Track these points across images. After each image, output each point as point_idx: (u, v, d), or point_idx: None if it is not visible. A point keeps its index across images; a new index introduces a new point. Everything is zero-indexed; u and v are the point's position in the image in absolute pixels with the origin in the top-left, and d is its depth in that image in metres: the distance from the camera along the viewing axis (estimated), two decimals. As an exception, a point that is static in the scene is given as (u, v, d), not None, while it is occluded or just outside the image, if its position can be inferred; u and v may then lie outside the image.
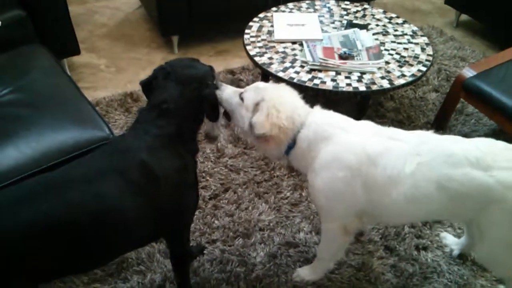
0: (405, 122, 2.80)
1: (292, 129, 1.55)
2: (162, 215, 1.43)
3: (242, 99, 1.59)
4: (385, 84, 2.32)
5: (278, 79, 2.39)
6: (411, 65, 2.46)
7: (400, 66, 2.45)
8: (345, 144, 1.50)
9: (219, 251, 2.05)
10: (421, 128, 2.76)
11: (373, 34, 2.70)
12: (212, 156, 2.50)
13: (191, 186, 1.54)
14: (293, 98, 1.62)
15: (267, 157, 2.38)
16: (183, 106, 1.47)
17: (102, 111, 2.77)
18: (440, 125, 2.74)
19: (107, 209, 1.31)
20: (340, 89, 2.28)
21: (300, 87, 2.35)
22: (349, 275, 1.97)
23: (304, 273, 1.93)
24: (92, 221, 1.29)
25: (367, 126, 1.58)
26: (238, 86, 3.03)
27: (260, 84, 1.65)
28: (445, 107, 2.71)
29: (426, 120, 2.83)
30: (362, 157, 1.46)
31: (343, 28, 2.74)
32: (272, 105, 1.52)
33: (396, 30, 2.76)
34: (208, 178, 2.38)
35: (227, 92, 1.63)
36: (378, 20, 2.87)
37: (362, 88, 2.29)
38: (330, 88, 2.28)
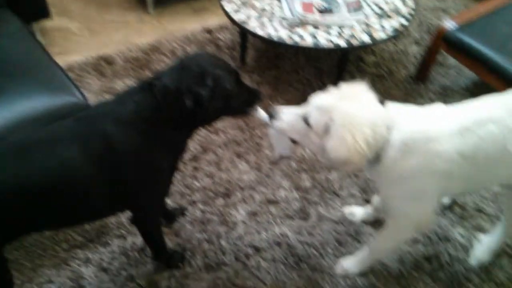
0: (386, 76, 2.77)
1: (373, 149, 1.34)
2: (118, 189, 1.40)
3: (307, 122, 1.39)
4: (366, 39, 2.27)
5: (256, 37, 2.33)
6: (392, 18, 2.41)
7: (381, 20, 2.40)
8: (439, 156, 1.35)
9: (199, 211, 2.04)
10: (402, 81, 2.73)
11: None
12: (191, 118, 2.46)
13: (156, 171, 1.46)
14: (367, 108, 1.34)
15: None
16: (172, 92, 1.35)
17: (75, 76, 2.69)
18: (421, 77, 2.72)
19: (64, 173, 1.30)
20: (320, 46, 2.23)
21: (279, 45, 2.30)
22: (330, 230, 1.98)
23: (348, 265, 1.83)
24: (51, 184, 1.28)
25: (448, 119, 1.39)
26: (217, 46, 2.99)
27: (322, 99, 1.38)
28: (426, 59, 2.67)
29: (406, 73, 2.80)
30: (459, 161, 1.35)
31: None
32: (345, 127, 1.29)
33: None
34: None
35: (288, 120, 1.44)
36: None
37: (343, 44, 2.24)
38: (310, 45, 2.23)
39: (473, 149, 1.35)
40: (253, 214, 2.04)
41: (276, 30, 2.31)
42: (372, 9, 2.47)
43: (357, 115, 1.30)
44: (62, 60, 2.82)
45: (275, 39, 2.26)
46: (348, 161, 1.32)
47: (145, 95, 1.37)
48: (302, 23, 2.33)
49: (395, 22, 2.38)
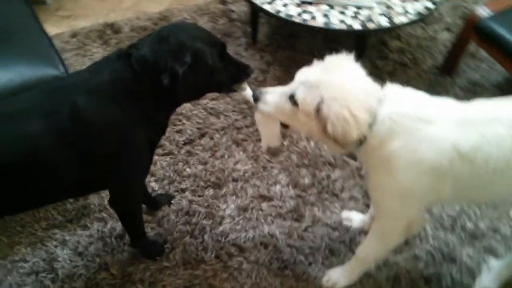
0: (410, 65, 2.50)
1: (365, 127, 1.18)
2: (90, 167, 1.29)
3: (295, 101, 1.22)
4: (384, 22, 2.01)
5: (263, 12, 2.10)
6: (417, 0, 2.13)
7: (404, 1, 2.12)
8: (429, 142, 1.16)
9: (186, 201, 1.90)
10: (426, 72, 2.46)
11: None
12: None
13: (132, 148, 1.33)
14: (356, 79, 1.20)
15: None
16: (150, 64, 1.23)
17: (79, 43, 2.55)
18: (448, 69, 2.43)
19: (29, 151, 1.20)
20: (332, 26, 1.99)
21: (286, 23, 2.08)
22: (322, 234, 1.80)
23: (336, 276, 1.64)
24: (15, 163, 1.19)
25: (451, 109, 1.22)
26: (230, 19, 2.77)
27: (309, 75, 1.22)
28: (455, 49, 2.38)
29: (433, 63, 2.52)
30: (453, 156, 1.15)
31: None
32: (337, 100, 1.13)
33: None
34: (184, 121, 2.18)
35: (272, 100, 1.27)
36: None
37: (357, 26, 1.99)
38: (321, 25, 1.99)
39: (472, 147, 1.15)
40: (243, 210, 1.88)
41: (286, 5, 2.07)
42: (396, -12, 2.18)
43: (347, 86, 1.16)
44: (69, 25, 2.70)
45: (283, 15, 2.03)
46: (349, 136, 1.15)
47: (121, 64, 1.26)
48: (315, 0, 2.08)
49: (420, 5, 2.10)
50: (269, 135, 1.42)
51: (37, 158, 1.21)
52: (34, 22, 1.88)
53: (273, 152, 1.61)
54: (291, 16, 2.02)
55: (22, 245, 1.76)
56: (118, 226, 1.79)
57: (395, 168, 1.21)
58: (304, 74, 1.24)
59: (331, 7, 2.07)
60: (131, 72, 1.25)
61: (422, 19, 2.10)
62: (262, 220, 1.85)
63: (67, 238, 1.78)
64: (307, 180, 1.97)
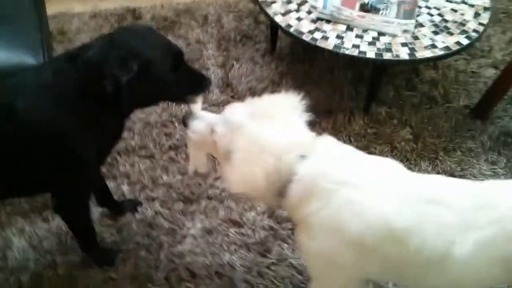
0: (438, 100, 2.25)
1: (276, 184, 1.09)
2: (29, 173, 1.25)
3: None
4: (403, 54, 1.81)
5: (273, 23, 1.96)
6: (451, 34, 1.89)
7: (435, 33, 1.89)
8: (354, 211, 1.02)
9: (153, 212, 1.83)
10: (455, 111, 2.21)
11: (419, -18, 2.10)
12: (190, 100, 2.20)
13: (74, 155, 1.27)
14: (280, 130, 1.09)
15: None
16: (94, 68, 1.17)
17: (96, 25, 2.54)
18: (481, 112, 2.17)
19: None
20: (342, 50, 1.81)
21: (295, 39, 1.93)
22: None
23: None
24: None
25: (391, 174, 1.08)
26: (256, 21, 2.60)
27: (232, 112, 1.16)
28: (495, 90, 2.11)
29: (467, 102, 2.25)
30: (382, 233, 1.00)
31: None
32: (244, 154, 1.07)
33: (454, -18, 2.13)
34: (176, 124, 2.10)
35: (197, 128, 1.20)
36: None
37: (371, 54, 1.80)
38: (330, 47, 1.82)
39: (406, 224, 0.98)
40: (208, 232, 1.78)
41: (300, 20, 1.92)
42: (431, 16, 1.95)
43: (262, 139, 1.07)
44: (94, 4, 2.69)
45: (292, 31, 1.88)
46: (247, 194, 1.13)
47: (67, 66, 1.20)
48: (333, 19, 1.91)
49: (452, 40, 1.87)
50: (197, 160, 1.33)
51: None
52: (31, 5, 1.84)
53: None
54: (301, 33, 1.87)
55: (-16, 226, 1.78)
56: (79, 225, 1.76)
57: (315, 232, 1.08)
58: (231, 110, 1.16)
59: (350, 28, 1.89)
60: (75, 74, 1.18)
61: (449, 55, 1.86)
62: (225, 248, 1.74)
63: (26, 228, 1.77)
64: (285, 213, 1.83)
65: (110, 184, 1.88)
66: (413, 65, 2.30)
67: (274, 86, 2.28)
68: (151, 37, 1.25)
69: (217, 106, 2.17)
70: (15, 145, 1.19)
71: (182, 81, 1.28)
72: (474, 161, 2.03)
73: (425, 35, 1.87)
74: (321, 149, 1.10)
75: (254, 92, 2.24)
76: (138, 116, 2.12)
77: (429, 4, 2.01)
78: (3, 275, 1.66)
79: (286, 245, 1.75)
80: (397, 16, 1.91)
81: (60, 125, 1.20)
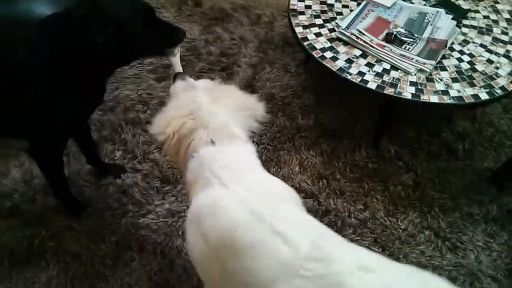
0: (459, 155, 2.12)
1: (183, 151, 1.22)
2: (9, 105, 1.42)
3: None
4: (406, 93, 1.74)
5: (293, 33, 1.99)
6: (472, 85, 1.78)
7: (455, 80, 1.79)
8: (214, 207, 1.09)
9: (131, 181, 1.98)
10: (473, 171, 2.06)
11: (464, 25, 1.98)
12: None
13: (50, 101, 1.43)
14: (213, 113, 1.21)
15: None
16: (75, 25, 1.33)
17: (157, 4, 2.74)
18: (500, 181, 2.00)
19: None
20: (345, 74, 1.80)
21: (306, 54, 1.95)
22: None
23: None
24: None
25: (264, 190, 1.14)
26: (256, 22, 2.55)
27: (201, 81, 1.39)
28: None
29: (491, 165, 2.08)
30: (225, 238, 1.04)
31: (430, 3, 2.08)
32: (175, 106, 1.26)
33: (504, 33, 1.97)
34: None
35: (178, 87, 1.37)
36: (495, 12, 2.07)
37: (372, 85, 1.77)
38: (334, 68, 1.82)
39: (247, 241, 1.01)
40: (171, 214, 1.89)
41: (318, 36, 1.93)
42: (459, 62, 1.85)
43: (197, 106, 1.22)
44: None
45: (306, 45, 1.90)
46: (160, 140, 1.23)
47: (55, 23, 1.36)
48: (351, 42, 1.89)
49: (470, 91, 1.75)
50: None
51: None
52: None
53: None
54: (313, 48, 1.89)
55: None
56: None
57: (189, 218, 1.18)
58: (202, 81, 1.39)
59: (364, 55, 1.86)
60: (58, 31, 1.35)
61: (456, 107, 1.76)
62: (180, 233, 1.84)
63: (26, 164, 1.99)
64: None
65: (108, 147, 2.07)
66: (416, 107, 2.09)
67: (294, 97, 2.31)
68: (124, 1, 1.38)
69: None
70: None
71: (155, 36, 1.41)
72: (470, 227, 1.89)
73: (441, 79, 1.78)
74: (230, 144, 1.19)
75: (273, 99, 2.29)
76: (158, 94, 2.29)
77: (464, 50, 1.90)
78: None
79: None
80: (419, 54, 1.83)
81: (34, 76, 1.37)
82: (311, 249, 0.95)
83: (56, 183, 1.79)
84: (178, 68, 1.48)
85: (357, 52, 1.87)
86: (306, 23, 1.98)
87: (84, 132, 1.87)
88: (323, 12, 2.03)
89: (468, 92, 1.75)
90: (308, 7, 2.06)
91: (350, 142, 2.14)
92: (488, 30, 1.98)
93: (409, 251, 1.84)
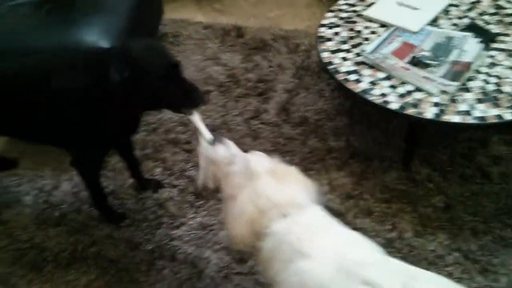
0: (493, 178, 2.13)
1: (256, 233, 1.30)
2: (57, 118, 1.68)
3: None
4: (428, 113, 1.82)
5: (319, 59, 2.15)
6: (496, 106, 1.83)
7: (479, 101, 1.85)
8: (300, 280, 1.18)
9: (168, 196, 2.17)
10: (508, 195, 2.06)
11: (492, 48, 2.05)
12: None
13: (92, 122, 1.66)
14: (278, 192, 1.30)
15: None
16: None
17: (203, 35, 3.00)
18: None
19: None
20: (367, 96, 1.91)
21: (330, 77, 2.10)
22: None
23: None
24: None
25: (346, 247, 1.23)
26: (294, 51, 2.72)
27: (256, 161, 1.40)
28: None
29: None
30: None
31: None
32: (242, 200, 1.32)
33: (534, 56, 2.02)
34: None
35: (221, 153, 1.41)
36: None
37: (394, 106, 1.86)
38: (357, 90, 1.94)
39: None
40: (203, 227, 2.04)
41: (344, 60, 2.07)
42: (485, 84, 1.91)
43: (261, 192, 1.29)
44: (213, 16, 3.17)
45: (330, 68, 2.04)
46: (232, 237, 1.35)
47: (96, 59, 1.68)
48: (375, 65, 2.02)
49: (493, 112, 1.81)
50: (207, 174, 1.52)
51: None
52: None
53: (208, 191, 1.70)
54: (337, 72, 2.02)
55: (49, 167, 2.34)
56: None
57: None
58: (255, 159, 1.40)
59: (388, 78, 1.97)
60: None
61: (479, 128, 1.81)
62: (210, 245, 1.99)
63: (75, 178, 2.25)
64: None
65: (149, 164, 2.29)
66: (437, 127, 2.15)
67: (327, 120, 2.44)
68: (152, 50, 1.55)
69: (267, 125, 2.44)
70: (44, 104, 1.64)
71: (174, 92, 1.52)
72: (502, 250, 1.90)
73: (464, 101, 1.85)
74: (302, 213, 1.28)
75: (306, 121, 2.44)
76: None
77: (491, 72, 1.95)
78: (44, 206, 2.18)
79: (261, 261, 1.92)
80: (444, 76, 1.92)
81: (79, 100, 1.62)
82: None
83: (94, 193, 2.01)
84: (203, 128, 1.49)
85: (381, 75, 1.98)
86: (333, 49, 2.13)
87: (128, 150, 2.09)
88: (351, 38, 2.17)
89: (492, 112, 1.80)
90: (336, 34, 2.21)
91: (380, 163, 2.22)
92: (517, 53, 2.04)
93: (437, 273, 1.86)
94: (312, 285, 1.14)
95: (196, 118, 1.55)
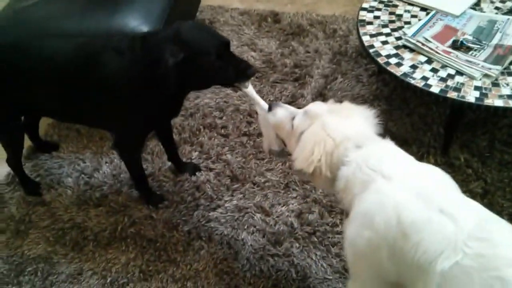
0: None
1: (333, 166, 1.33)
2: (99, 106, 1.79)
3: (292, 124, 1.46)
4: (470, 97, 1.83)
5: (360, 42, 2.17)
6: (542, 88, 1.82)
7: (525, 84, 1.84)
8: (379, 198, 1.22)
9: (205, 179, 2.24)
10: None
11: (538, 31, 2.02)
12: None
13: (133, 108, 1.75)
14: (345, 123, 1.36)
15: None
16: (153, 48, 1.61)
17: (240, 21, 3.05)
18: None
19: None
20: (408, 79, 1.93)
21: (371, 60, 2.12)
22: None
23: None
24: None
25: (425, 176, 1.27)
26: (331, 36, 2.75)
27: (314, 106, 1.47)
28: None
29: None
30: (391, 220, 1.16)
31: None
32: (311, 139, 1.36)
33: None
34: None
35: (280, 115, 1.51)
36: None
37: (435, 89, 1.88)
38: (399, 73, 1.95)
39: (413, 219, 1.14)
40: (238, 210, 2.10)
41: (384, 43, 2.09)
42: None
43: (331, 128, 1.33)
44: (249, 3, 3.22)
45: (372, 51, 2.06)
46: (310, 174, 1.35)
47: (140, 43, 1.69)
48: (417, 48, 2.02)
49: (541, 95, 1.80)
50: (270, 139, 1.64)
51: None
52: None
53: (275, 154, 1.74)
54: (379, 55, 2.04)
55: (90, 150, 2.44)
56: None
57: (353, 217, 1.28)
58: (313, 105, 1.47)
59: (429, 61, 1.98)
60: (141, 52, 1.66)
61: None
62: (245, 227, 2.05)
63: (115, 160, 2.36)
64: (310, 217, 2.04)
65: (187, 148, 2.37)
66: (481, 112, 2.17)
67: (363, 104, 2.45)
68: (203, 31, 1.65)
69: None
70: (91, 87, 1.73)
71: (227, 68, 1.61)
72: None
73: (507, 84, 1.84)
74: (376, 144, 1.33)
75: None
76: (234, 102, 2.57)
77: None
78: (85, 187, 2.28)
79: (297, 244, 1.97)
80: (486, 60, 1.91)
81: (124, 83, 1.69)
82: (475, 229, 1.07)
83: (136, 175, 2.09)
84: (258, 99, 1.63)
85: (422, 59, 1.99)
86: (374, 32, 2.14)
87: (167, 134, 2.17)
88: (391, 22, 2.18)
89: (538, 96, 1.80)
90: (376, 17, 2.22)
91: (419, 149, 2.23)
92: None
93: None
94: (389, 204, 1.18)
95: (251, 90, 1.66)
